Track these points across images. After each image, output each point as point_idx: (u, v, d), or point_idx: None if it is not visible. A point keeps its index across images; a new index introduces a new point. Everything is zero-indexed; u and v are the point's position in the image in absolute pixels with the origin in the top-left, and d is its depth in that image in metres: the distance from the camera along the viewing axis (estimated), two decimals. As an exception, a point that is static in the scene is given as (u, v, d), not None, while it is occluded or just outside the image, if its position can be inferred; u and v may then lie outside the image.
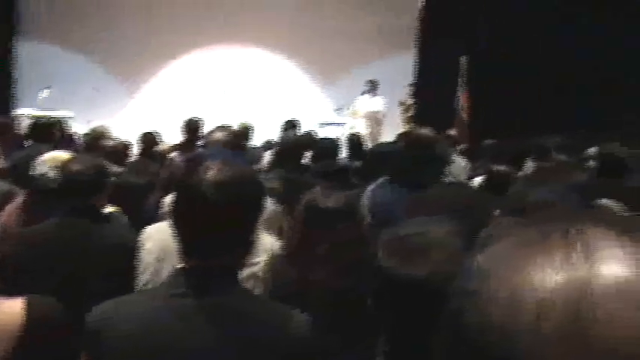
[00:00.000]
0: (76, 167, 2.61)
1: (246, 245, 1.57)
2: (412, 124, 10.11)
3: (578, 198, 2.26)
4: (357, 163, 5.47)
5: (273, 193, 3.04)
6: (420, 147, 3.36)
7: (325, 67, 12.03)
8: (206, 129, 4.52)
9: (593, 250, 0.46)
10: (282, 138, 4.47)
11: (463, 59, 9.88)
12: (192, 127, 5.99)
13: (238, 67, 12.07)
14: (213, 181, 1.49)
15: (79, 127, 8.42)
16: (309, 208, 2.30)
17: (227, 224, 1.50)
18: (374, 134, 10.36)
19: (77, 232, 2.55)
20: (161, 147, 5.65)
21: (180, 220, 1.56)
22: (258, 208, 1.58)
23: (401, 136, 5.26)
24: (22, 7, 12.09)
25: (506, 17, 9.67)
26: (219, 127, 3.37)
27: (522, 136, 7.50)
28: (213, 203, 1.47)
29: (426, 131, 3.59)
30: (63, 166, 2.70)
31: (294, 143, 4.23)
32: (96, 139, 5.58)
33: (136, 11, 12.03)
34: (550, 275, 0.45)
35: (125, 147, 5.30)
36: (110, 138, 5.77)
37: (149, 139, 5.96)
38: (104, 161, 3.12)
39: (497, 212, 1.95)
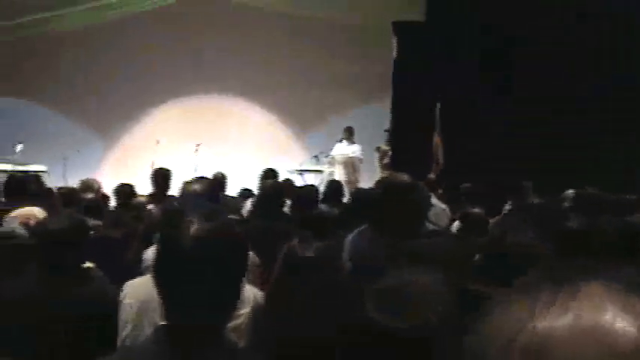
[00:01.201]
0: (55, 225, 2.59)
1: (231, 302, 1.56)
2: (389, 171, 10.22)
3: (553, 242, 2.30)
4: (337, 210, 5.50)
5: (253, 243, 3.04)
6: (398, 193, 3.37)
7: (302, 115, 12.17)
8: (182, 179, 4.54)
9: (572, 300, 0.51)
10: (262, 186, 4.48)
11: (437, 105, 10.03)
12: (161, 176, 6.00)
13: (215, 116, 12.14)
14: (195, 237, 1.48)
15: (53, 182, 8.36)
16: (288, 258, 2.31)
17: (211, 281, 1.49)
18: (352, 181, 10.44)
19: (56, 289, 2.52)
20: (138, 199, 5.63)
21: (162, 276, 1.55)
22: (243, 263, 1.58)
23: (378, 182, 5.30)
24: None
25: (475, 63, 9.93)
26: (195, 178, 3.38)
27: (497, 179, 7.63)
28: (195, 259, 1.47)
29: (403, 177, 3.61)
30: (41, 223, 2.69)
31: (274, 191, 4.24)
32: (75, 192, 5.57)
33: (113, 64, 12.12)
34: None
35: (104, 199, 5.27)
36: (93, 190, 5.76)
37: (126, 191, 5.94)
38: (82, 217, 3.10)
39: (477, 257, 1.97)
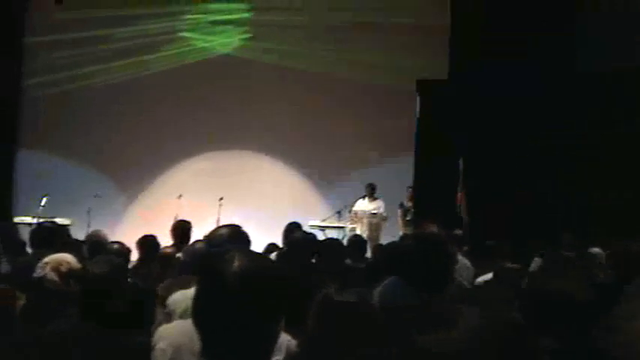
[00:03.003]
0: (97, 269, 2.60)
1: (271, 342, 1.54)
2: (411, 227, 10.18)
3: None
4: (361, 265, 5.47)
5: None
6: (431, 244, 3.37)
7: (325, 171, 12.23)
8: (204, 233, 4.56)
9: None
10: (291, 238, 4.46)
11: (461, 161, 10.06)
12: (182, 229, 6.01)
13: (238, 172, 12.25)
14: (239, 271, 1.48)
15: (78, 235, 8.42)
16: (324, 303, 2.29)
17: (254, 319, 1.47)
18: (373, 238, 10.38)
19: (97, 337, 2.51)
20: (163, 251, 5.64)
21: (203, 314, 1.54)
22: (285, 302, 1.56)
23: (407, 235, 5.30)
24: (23, 118, 12.45)
25: (504, 118, 9.98)
26: (222, 225, 3.38)
27: (522, 236, 7.58)
28: (240, 295, 1.45)
29: (433, 228, 3.62)
30: (83, 269, 2.71)
31: (304, 243, 4.24)
32: (101, 242, 5.59)
33: (136, 118, 12.37)
34: None
35: (129, 250, 5.30)
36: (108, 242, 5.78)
37: (150, 243, 5.95)
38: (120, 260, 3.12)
39: (516, 304, 1.94)
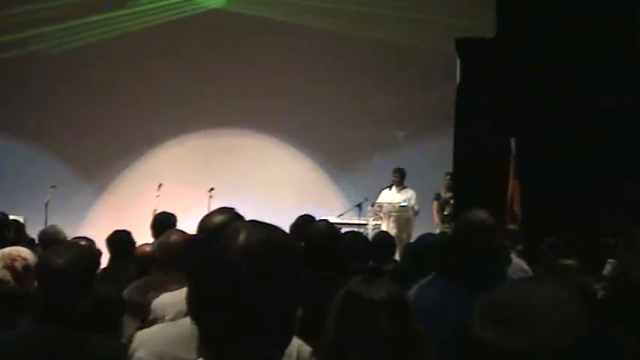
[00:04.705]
0: (60, 260, 2.61)
1: (285, 331, 1.54)
2: (450, 224, 10.15)
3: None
4: (390, 266, 5.46)
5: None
6: (481, 233, 3.37)
7: (341, 155, 12.24)
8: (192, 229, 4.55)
9: None
10: (309, 232, 4.41)
11: (513, 141, 10.01)
12: (165, 223, 6.00)
13: (233, 156, 12.27)
14: (244, 246, 1.48)
15: (34, 233, 8.49)
16: (347, 299, 2.29)
17: (262, 301, 1.47)
18: (403, 236, 10.38)
19: (59, 344, 2.53)
20: (140, 249, 5.65)
21: (201, 299, 1.53)
22: (298, 280, 1.55)
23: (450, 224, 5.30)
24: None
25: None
26: (218, 209, 3.37)
27: (589, 229, 7.56)
28: (245, 274, 1.45)
29: (482, 215, 3.61)
30: (42, 261, 2.72)
31: (323, 237, 4.23)
32: (56, 241, 5.61)
33: (100, 91, 12.39)
34: None
35: (99, 253, 5.34)
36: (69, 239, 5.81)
37: (122, 240, 5.97)
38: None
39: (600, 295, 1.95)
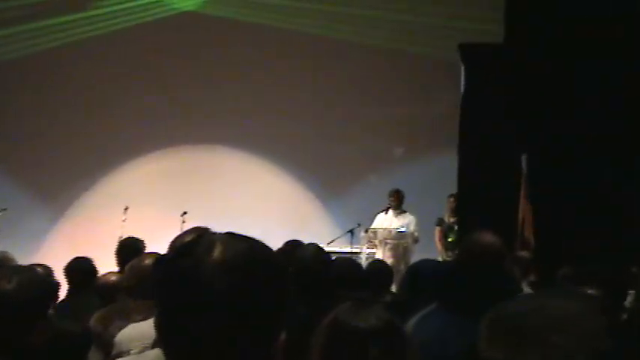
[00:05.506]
0: (10, 284, 2.58)
1: (266, 358, 1.52)
2: (454, 252, 10.15)
3: None
4: (387, 298, 5.47)
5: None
6: (489, 257, 3.37)
7: (331, 174, 12.25)
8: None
9: None
10: (297, 256, 4.47)
11: (524, 159, 10.04)
12: (131, 249, 5.99)
13: (207, 177, 12.28)
14: (220, 261, 1.46)
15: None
16: (333, 327, 2.28)
17: (240, 324, 1.46)
18: (400, 267, 10.35)
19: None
20: (104, 278, 5.63)
21: (170, 322, 1.52)
22: (282, 300, 1.54)
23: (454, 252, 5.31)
24: None
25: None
26: (192, 228, 3.39)
27: (609, 260, 7.56)
28: (220, 293, 1.44)
29: (491, 238, 3.61)
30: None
31: (312, 260, 4.24)
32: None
33: (58, 102, 12.36)
34: None
35: (57, 284, 5.32)
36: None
37: (83, 268, 5.95)
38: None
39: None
